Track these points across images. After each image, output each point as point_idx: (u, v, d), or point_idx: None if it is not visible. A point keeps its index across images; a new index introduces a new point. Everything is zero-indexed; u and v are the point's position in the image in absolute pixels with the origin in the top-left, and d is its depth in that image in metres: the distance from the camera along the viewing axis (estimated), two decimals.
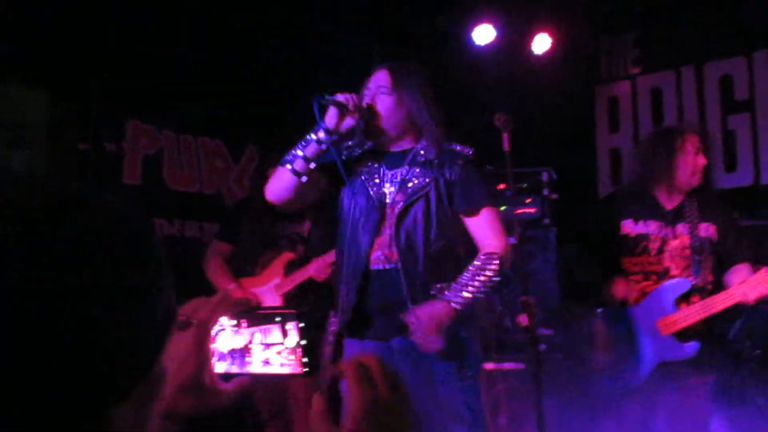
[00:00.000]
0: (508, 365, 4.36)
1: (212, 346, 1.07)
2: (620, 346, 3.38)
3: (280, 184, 2.79)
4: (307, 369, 1.05)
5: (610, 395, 3.40)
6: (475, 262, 2.69)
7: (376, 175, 2.82)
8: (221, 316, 1.08)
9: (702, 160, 3.40)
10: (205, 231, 4.96)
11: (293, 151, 2.75)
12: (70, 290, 0.60)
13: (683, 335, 3.27)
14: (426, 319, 2.54)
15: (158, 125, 4.88)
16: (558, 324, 4.47)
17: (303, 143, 2.74)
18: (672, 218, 3.43)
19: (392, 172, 2.81)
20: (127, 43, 4.56)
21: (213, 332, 1.08)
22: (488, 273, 2.65)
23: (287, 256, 3.98)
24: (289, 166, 2.73)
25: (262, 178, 3.84)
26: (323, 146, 2.69)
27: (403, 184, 2.77)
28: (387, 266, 2.72)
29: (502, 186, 4.94)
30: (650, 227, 3.43)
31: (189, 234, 4.90)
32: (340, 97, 2.66)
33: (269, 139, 5.32)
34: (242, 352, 1.10)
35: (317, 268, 3.83)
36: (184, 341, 1.02)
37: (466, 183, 2.75)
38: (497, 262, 2.67)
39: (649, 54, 6.58)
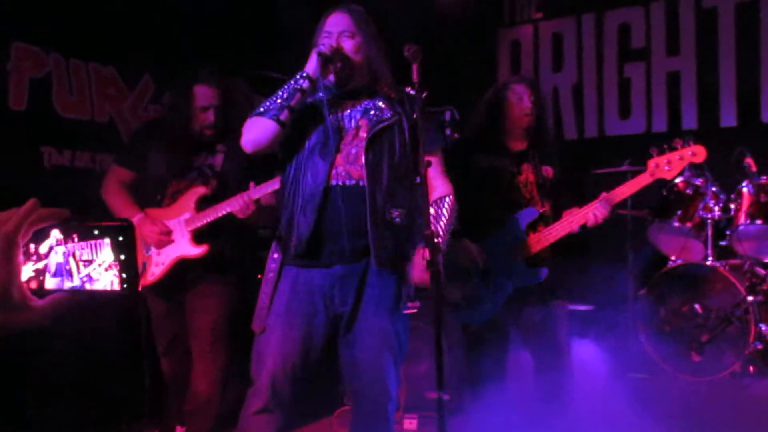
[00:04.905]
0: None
1: (42, 260, 1.06)
2: (475, 278, 3.54)
3: (263, 134, 2.81)
4: (125, 285, 1.05)
5: (474, 327, 3.64)
6: (435, 210, 2.87)
7: (328, 107, 2.86)
8: (32, 228, 1.04)
9: (527, 104, 3.71)
10: (97, 161, 4.74)
11: (275, 102, 2.80)
12: None
13: (534, 261, 3.56)
14: (418, 281, 2.74)
15: (46, 47, 4.59)
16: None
17: (286, 93, 2.79)
18: (518, 158, 3.74)
19: (351, 101, 2.88)
20: None
21: (33, 245, 1.05)
22: (447, 215, 2.88)
23: (200, 190, 3.66)
24: (274, 118, 2.77)
25: (184, 101, 3.70)
26: (305, 95, 2.79)
27: (366, 111, 2.85)
28: (348, 182, 2.77)
29: None
30: (501, 162, 3.71)
31: (80, 164, 4.67)
32: (325, 48, 2.75)
33: (165, 67, 5.11)
34: (66, 268, 1.08)
35: (240, 205, 3.47)
36: None
37: (426, 125, 2.84)
38: (450, 202, 2.91)
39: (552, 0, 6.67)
